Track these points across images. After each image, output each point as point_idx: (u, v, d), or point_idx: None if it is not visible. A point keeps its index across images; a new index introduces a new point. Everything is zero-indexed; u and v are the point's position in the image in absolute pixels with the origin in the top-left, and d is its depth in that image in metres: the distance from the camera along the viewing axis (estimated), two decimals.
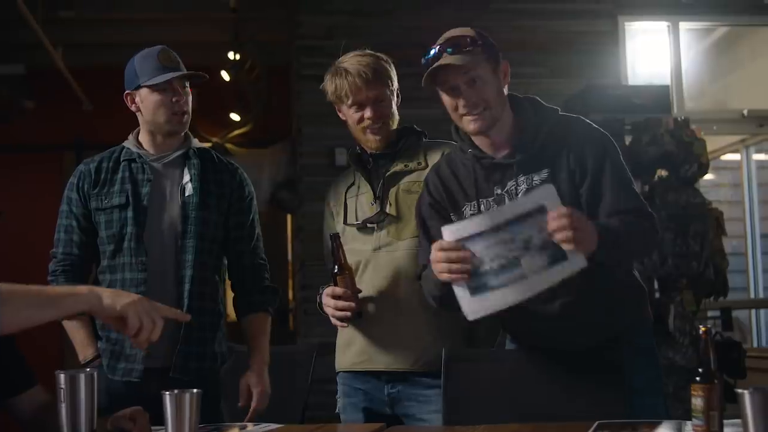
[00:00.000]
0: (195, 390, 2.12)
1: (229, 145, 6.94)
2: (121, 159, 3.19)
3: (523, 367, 2.73)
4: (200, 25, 7.22)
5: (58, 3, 6.78)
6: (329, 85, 3.03)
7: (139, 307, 2.08)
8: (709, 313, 6.00)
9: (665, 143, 5.53)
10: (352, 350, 3.06)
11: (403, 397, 2.98)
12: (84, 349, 3.12)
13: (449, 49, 2.61)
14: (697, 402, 2.07)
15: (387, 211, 3.00)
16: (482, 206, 2.69)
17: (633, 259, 2.82)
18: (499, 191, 2.67)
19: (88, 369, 2.16)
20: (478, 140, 2.71)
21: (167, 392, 2.10)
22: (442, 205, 2.78)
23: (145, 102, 3.13)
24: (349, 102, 3.01)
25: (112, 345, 3.08)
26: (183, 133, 3.20)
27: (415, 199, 2.93)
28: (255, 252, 3.25)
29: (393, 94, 3.05)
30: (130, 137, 3.23)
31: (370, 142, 3.04)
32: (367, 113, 3.00)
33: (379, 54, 3.06)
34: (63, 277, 3.13)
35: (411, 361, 2.96)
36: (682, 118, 5.80)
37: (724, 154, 7.93)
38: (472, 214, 2.68)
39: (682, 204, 5.54)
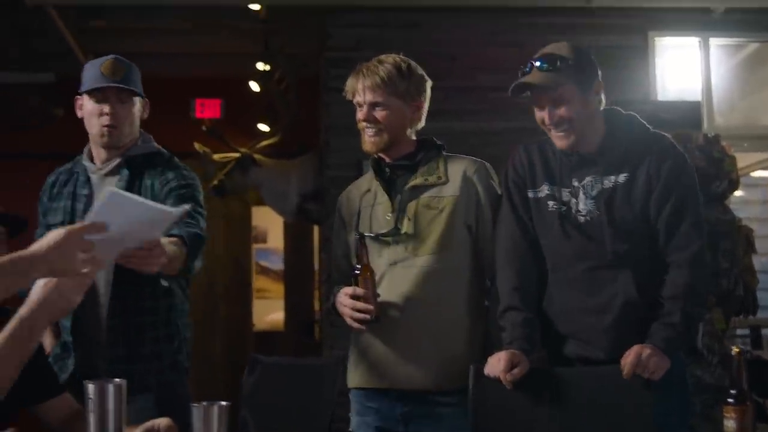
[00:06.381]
0: (223, 402, 2.12)
1: (257, 156, 6.94)
2: (73, 171, 3.18)
3: (552, 383, 2.70)
4: (230, 35, 7.23)
5: (89, 12, 6.83)
6: None
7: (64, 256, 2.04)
8: (739, 332, 5.93)
9: (695, 159, 5.48)
10: (362, 368, 3.04)
11: (416, 416, 2.95)
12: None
13: (539, 65, 2.71)
14: (730, 424, 2.06)
15: (404, 226, 2.98)
16: (557, 194, 2.81)
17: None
18: (576, 183, 2.78)
19: (117, 380, 2.15)
20: None
21: (195, 404, 2.10)
22: (522, 181, 2.89)
23: (84, 110, 3.13)
24: (353, 101, 3.06)
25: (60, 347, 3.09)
26: (129, 141, 3.15)
27: (434, 215, 2.93)
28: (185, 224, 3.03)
29: (405, 105, 3.03)
30: (86, 148, 3.21)
31: (365, 143, 3.06)
32: (359, 114, 3.03)
33: (401, 63, 3.04)
34: None
35: (423, 380, 2.93)
36: (713, 134, 5.75)
37: (755, 170, 7.86)
38: (548, 194, 2.83)
39: (712, 221, 5.49)
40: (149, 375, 3.08)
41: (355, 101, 3.06)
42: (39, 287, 2.23)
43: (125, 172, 3.12)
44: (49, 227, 3.12)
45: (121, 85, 3.08)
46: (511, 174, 2.93)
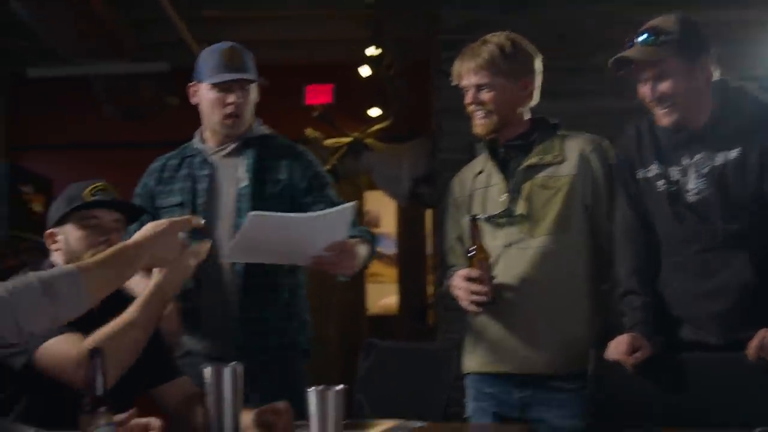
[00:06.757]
0: (339, 386, 2.10)
1: (368, 140, 6.94)
2: (185, 155, 3.20)
3: (674, 368, 2.64)
4: (341, 21, 7.24)
5: (202, 2, 6.91)
6: None
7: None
8: None
9: None
10: (479, 352, 3.00)
11: (535, 402, 2.90)
12: None
13: (642, 39, 2.64)
14: None
15: (518, 207, 2.92)
16: (666, 173, 2.71)
17: None
18: (685, 161, 2.68)
19: (233, 363, 2.17)
20: None
21: (311, 388, 2.09)
22: (632, 160, 2.81)
23: (202, 98, 3.14)
24: (459, 84, 3.03)
25: None
26: (245, 127, 3.18)
27: (550, 195, 2.87)
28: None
29: (512, 84, 2.97)
30: (197, 132, 3.24)
31: (475, 127, 3.02)
32: (467, 98, 2.99)
33: (505, 42, 2.98)
34: None
35: (542, 364, 2.88)
36: None
37: None
38: (657, 173, 2.72)
39: None
40: (268, 354, 3.09)
41: (461, 85, 3.02)
42: (156, 270, 2.33)
43: (250, 152, 3.15)
44: (159, 210, 3.16)
45: (247, 77, 3.10)
46: (621, 153, 2.87)
